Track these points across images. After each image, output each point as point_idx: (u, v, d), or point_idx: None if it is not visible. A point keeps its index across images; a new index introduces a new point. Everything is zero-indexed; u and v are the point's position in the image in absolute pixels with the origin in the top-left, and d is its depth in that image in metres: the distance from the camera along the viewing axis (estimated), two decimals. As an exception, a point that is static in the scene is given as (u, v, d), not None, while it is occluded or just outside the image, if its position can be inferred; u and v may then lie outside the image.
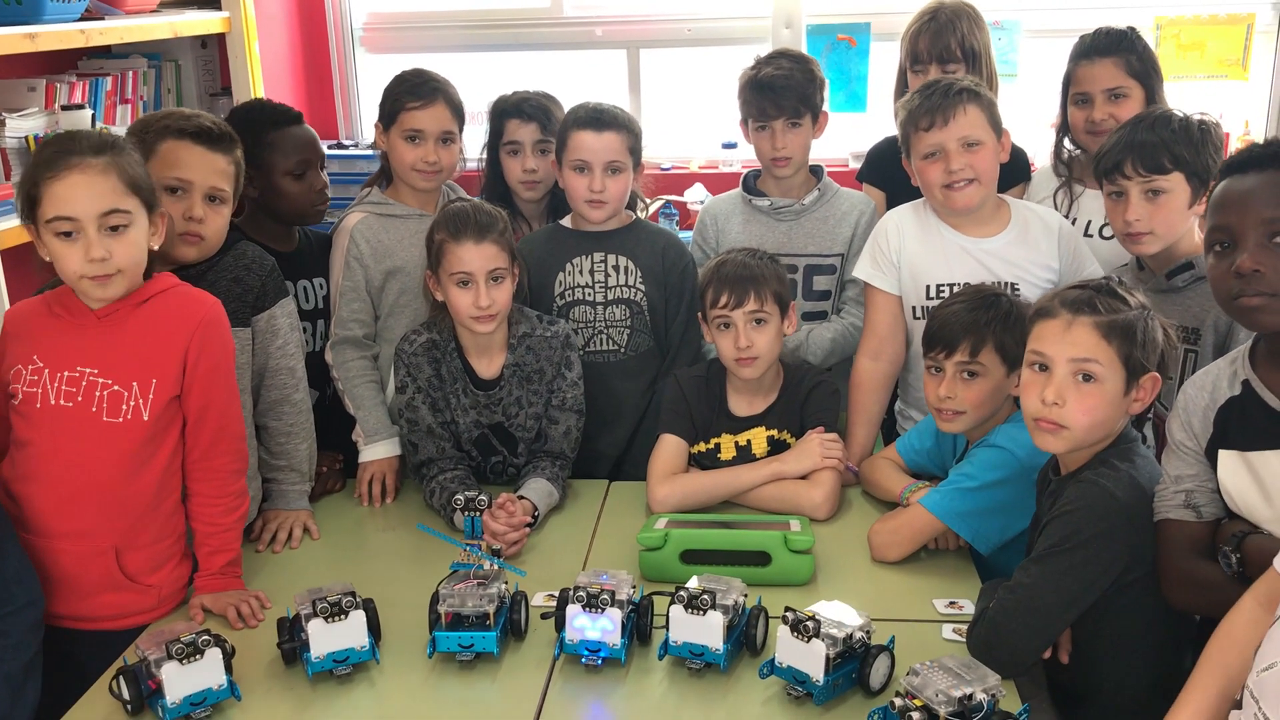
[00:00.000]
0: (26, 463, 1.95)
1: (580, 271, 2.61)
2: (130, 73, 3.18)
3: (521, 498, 2.30)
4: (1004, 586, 1.83)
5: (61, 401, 1.93)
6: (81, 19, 2.76)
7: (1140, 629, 1.84)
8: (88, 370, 1.94)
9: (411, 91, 2.61)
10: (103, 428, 1.94)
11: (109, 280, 1.90)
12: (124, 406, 1.95)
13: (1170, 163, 2.19)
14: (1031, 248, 2.44)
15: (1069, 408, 1.80)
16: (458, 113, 2.65)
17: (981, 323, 2.14)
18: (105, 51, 3.26)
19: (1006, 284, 2.38)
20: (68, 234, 1.86)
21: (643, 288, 2.61)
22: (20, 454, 1.96)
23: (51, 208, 1.85)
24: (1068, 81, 2.68)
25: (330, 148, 3.90)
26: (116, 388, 1.95)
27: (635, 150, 2.59)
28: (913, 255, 2.47)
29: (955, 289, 2.39)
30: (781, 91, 2.61)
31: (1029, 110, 3.45)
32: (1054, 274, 2.43)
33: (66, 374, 1.94)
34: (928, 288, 2.46)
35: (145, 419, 1.96)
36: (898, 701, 1.59)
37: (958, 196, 2.38)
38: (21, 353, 1.95)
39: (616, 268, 2.61)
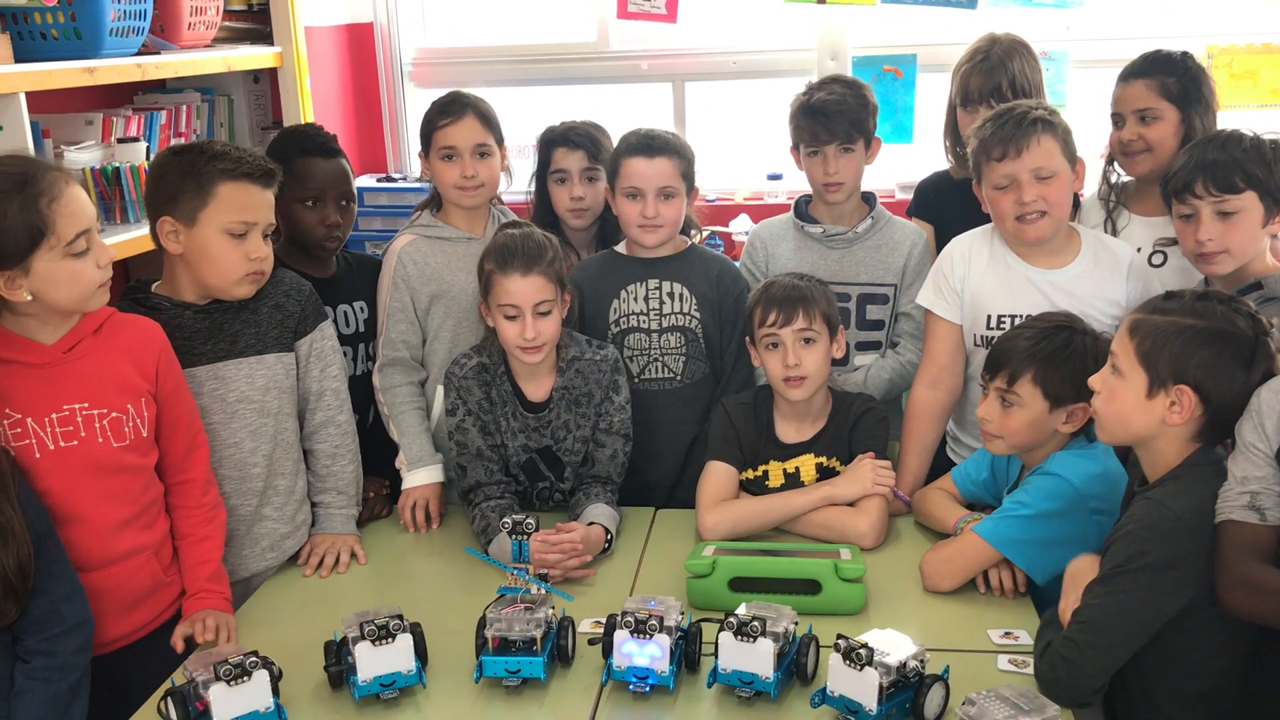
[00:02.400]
0: (51, 511, 1.91)
1: (635, 299, 2.61)
2: (184, 107, 3.23)
3: (592, 524, 2.29)
4: (1074, 613, 1.79)
5: (62, 443, 1.93)
6: (138, 54, 2.81)
7: (1203, 657, 1.79)
8: (78, 406, 1.94)
9: (441, 110, 2.63)
10: (115, 454, 1.97)
11: (108, 284, 1.95)
12: (126, 429, 1.99)
13: (1243, 181, 2.16)
14: (1098, 282, 2.40)
15: (1099, 396, 1.87)
16: (490, 125, 2.64)
17: (1029, 354, 2.11)
18: (160, 86, 3.33)
19: None
20: (83, 251, 1.87)
21: (698, 315, 2.60)
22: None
23: (71, 226, 1.84)
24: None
25: (379, 180, 3.97)
26: (114, 414, 1.97)
27: (688, 175, 2.59)
28: (977, 283, 2.44)
29: (1017, 320, 2.37)
30: (834, 116, 2.60)
31: (1078, 141, 3.41)
32: (1120, 309, 2.37)
33: (55, 416, 1.92)
34: (988, 317, 2.43)
35: (145, 434, 2.02)
36: (954, 731, 1.56)
37: (1029, 229, 2.34)
38: None
39: (671, 295, 2.60)
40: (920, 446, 2.49)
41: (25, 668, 1.80)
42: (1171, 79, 2.54)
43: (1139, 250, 2.58)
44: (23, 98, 2.38)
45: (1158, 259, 2.57)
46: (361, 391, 2.59)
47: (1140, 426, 1.82)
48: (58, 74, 2.50)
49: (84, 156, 2.73)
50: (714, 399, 2.60)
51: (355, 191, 2.75)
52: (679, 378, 2.61)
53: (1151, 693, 1.82)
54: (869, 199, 2.75)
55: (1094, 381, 1.89)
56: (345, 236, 2.70)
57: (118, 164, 2.74)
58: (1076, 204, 2.79)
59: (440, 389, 2.57)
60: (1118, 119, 2.60)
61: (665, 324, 2.60)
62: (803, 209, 2.77)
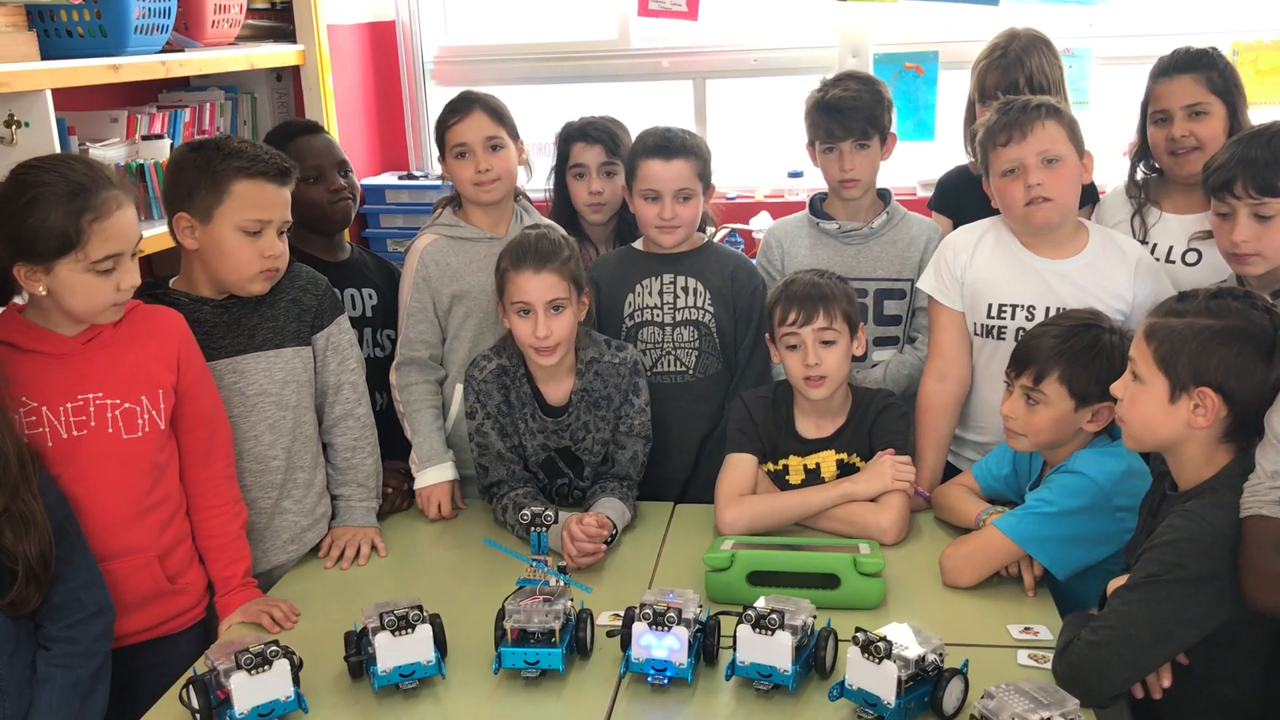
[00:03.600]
0: None
1: (650, 293, 2.61)
2: (208, 104, 3.26)
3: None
4: (1099, 615, 1.78)
5: (75, 432, 1.95)
6: (162, 51, 2.83)
7: (1239, 663, 1.77)
8: (92, 396, 1.96)
9: (450, 110, 2.64)
10: (124, 445, 1.98)
11: (124, 304, 1.97)
12: (139, 421, 2.00)
13: None
14: (1105, 274, 2.38)
15: (1122, 404, 1.84)
16: (500, 118, 2.63)
17: (1055, 352, 2.09)
18: (184, 84, 3.35)
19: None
20: (109, 270, 1.89)
21: (711, 309, 2.60)
22: None
23: (101, 248, 1.87)
24: (1146, 102, 2.63)
25: (400, 178, 3.99)
26: (127, 405, 1.98)
27: (704, 175, 2.59)
28: (978, 272, 2.43)
29: (1019, 309, 2.37)
30: (849, 112, 2.60)
31: (1101, 138, 3.39)
32: (1126, 304, 2.37)
33: (70, 405, 1.94)
34: (989, 306, 2.43)
35: (162, 427, 2.02)
36: (972, 725, 1.56)
37: (1037, 214, 2.33)
38: (2, 398, 1.88)
39: (685, 289, 2.60)
40: (935, 441, 2.49)
41: (47, 655, 1.83)
42: (1214, 73, 2.51)
43: (1171, 248, 2.57)
44: (49, 94, 2.40)
45: (1191, 257, 2.54)
46: (371, 376, 2.58)
47: (1166, 432, 1.80)
48: (83, 71, 2.52)
49: (109, 153, 2.75)
50: (727, 395, 2.61)
51: (348, 162, 2.79)
52: (691, 372, 2.61)
53: (1182, 699, 1.80)
54: (884, 195, 2.75)
55: (1116, 388, 1.86)
56: (353, 201, 2.76)
57: (142, 160, 2.76)
58: (1095, 198, 2.78)
59: (460, 388, 2.58)
60: (1161, 116, 2.55)
61: (679, 318, 2.60)
62: (818, 206, 2.77)
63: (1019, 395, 2.13)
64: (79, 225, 1.85)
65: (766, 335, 2.45)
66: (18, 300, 2.00)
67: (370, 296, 2.75)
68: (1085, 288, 2.38)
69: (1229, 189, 2.14)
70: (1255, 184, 2.10)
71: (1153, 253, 2.58)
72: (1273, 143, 2.11)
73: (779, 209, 3.68)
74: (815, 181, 2.81)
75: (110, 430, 1.97)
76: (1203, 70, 2.51)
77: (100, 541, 1.96)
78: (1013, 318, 2.39)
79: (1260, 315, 1.76)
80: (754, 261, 2.82)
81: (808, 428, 2.42)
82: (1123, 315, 2.36)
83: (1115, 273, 2.39)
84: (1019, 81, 2.69)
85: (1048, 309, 2.36)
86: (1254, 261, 2.16)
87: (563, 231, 2.47)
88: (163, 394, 2.03)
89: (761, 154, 4.05)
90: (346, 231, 2.87)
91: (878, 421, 2.38)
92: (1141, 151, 2.67)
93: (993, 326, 2.42)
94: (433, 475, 2.52)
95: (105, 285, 1.90)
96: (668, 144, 2.54)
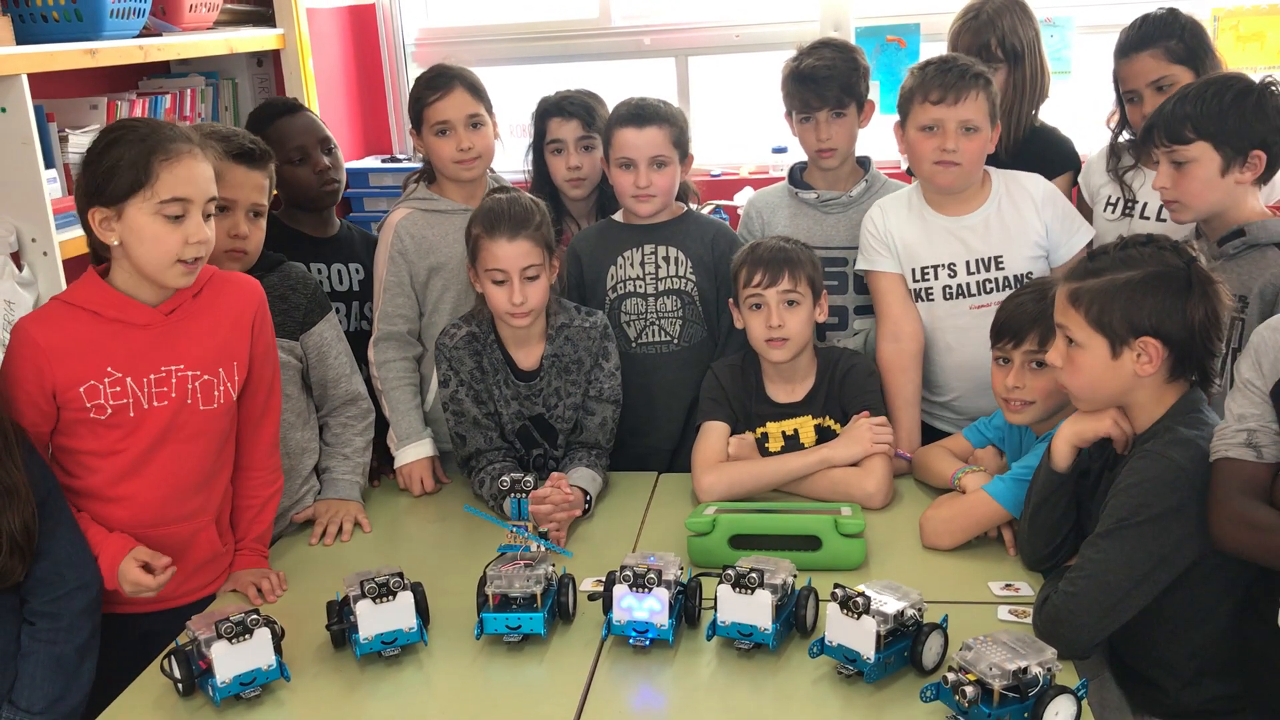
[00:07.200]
0: (121, 468, 1.97)
1: (631, 264, 2.61)
2: (188, 90, 3.25)
3: (572, 486, 2.29)
4: (1073, 566, 1.80)
5: (155, 403, 1.97)
6: (140, 35, 2.82)
7: (1210, 603, 1.79)
8: (174, 368, 1.99)
9: (429, 85, 2.63)
10: (200, 416, 2.02)
11: (196, 266, 1.95)
12: (216, 393, 2.03)
13: (1192, 132, 2.13)
14: (1013, 220, 2.46)
15: (1063, 372, 1.87)
16: (479, 95, 2.64)
17: (1049, 313, 2.10)
18: (164, 71, 3.35)
19: (990, 259, 2.44)
20: (177, 216, 1.89)
21: (693, 278, 2.60)
22: (110, 462, 1.98)
23: (169, 188, 1.88)
24: (1117, 81, 2.64)
25: (383, 161, 3.99)
26: (206, 377, 2.01)
27: (680, 142, 2.58)
28: (900, 238, 2.50)
29: (940, 269, 2.46)
30: (824, 81, 2.58)
31: (1083, 106, 3.40)
32: (1043, 238, 2.46)
33: (154, 376, 1.97)
34: (913, 271, 2.49)
35: (234, 397, 2.06)
36: (950, 676, 1.57)
37: (942, 174, 2.41)
38: (88, 368, 1.93)
39: (667, 258, 2.60)
40: (903, 400, 2.50)
41: (30, 629, 1.83)
42: (1174, 41, 2.52)
43: (1161, 207, 2.57)
44: (25, 79, 2.40)
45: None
46: (355, 349, 2.58)
47: (1115, 387, 1.83)
48: (59, 55, 2.51)
49: (89, 140, 2.73)
50: (712, 361, 2.60)
51: (331, 138, 2.81)
52: (676, 341, 2.62)
53: (1159, 646, 1.82)
54: (864, 162, 2.75)
55: (1052, 356, 1.89)
56: (341, 180, 2.78)
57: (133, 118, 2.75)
58: (1076, 165, 2.79)
59: None
60: (1132, 95, 2.57)
61: (661, 288, 2.60)
62: (797, 176, 2.77)
63: (1021, 364, 2.13)
64: (149, 163, 1.87)
65: (730, 299, 2.45)
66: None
67: (357, 271, 2.77)
68: (995, 237, 2.45)
69: (1150, 140, 2.21)
70: (1167, 132, 2.16)
71: (1143, 212, 2.61)
72: (1187, 97, 2.16)
73: (763, 185, 3.66)
74: (799, 156, 2.80)
75: (189, 401, 2.00)
76: (1160, 42, 2.53)
77: (169, 507, 2.01)
78: (936, 278, 2.48)
79: (1170, 255, 1.80)
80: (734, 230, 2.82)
81: (778, 392, 2.43)
82: (1043, 251, 2.45)
83: (1023, 213, 2.47)
84: (990, 43, 2.72)
85: (967, 264, 2.46)
86: (1177, 209, 2.21)
87: (531, 196, 2.47)
88: (237, 365, 2.07)
89: (745, 130, 4.04)
90: (335, 209, 2.88)
91: (846, 380, 2.40)
92: (1123, 121, 2.68)
93: (919, 290, 2.49)
94: (412, 452, 2.53)
95: (173, 235, 1.89)
96: (641, 112, 2.55)
